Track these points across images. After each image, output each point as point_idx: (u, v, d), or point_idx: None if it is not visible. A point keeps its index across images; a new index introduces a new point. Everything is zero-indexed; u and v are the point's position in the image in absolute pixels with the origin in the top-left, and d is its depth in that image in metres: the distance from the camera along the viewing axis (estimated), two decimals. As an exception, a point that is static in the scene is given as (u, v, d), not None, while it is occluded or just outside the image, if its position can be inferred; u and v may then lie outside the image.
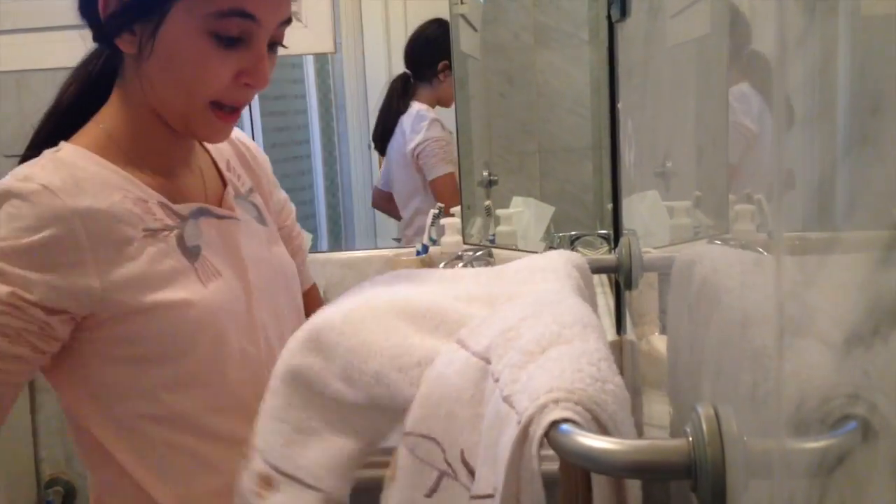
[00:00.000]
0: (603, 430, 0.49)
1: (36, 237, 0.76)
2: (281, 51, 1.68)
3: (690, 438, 0.48)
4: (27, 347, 0.77)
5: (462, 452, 0.60)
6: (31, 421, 1.94)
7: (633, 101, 1.13)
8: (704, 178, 0.78)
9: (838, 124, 0.31)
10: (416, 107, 2.00)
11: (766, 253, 0.48)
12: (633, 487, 0.53)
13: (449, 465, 0.61)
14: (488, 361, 0.60)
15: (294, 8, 1.76)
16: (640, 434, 0.88)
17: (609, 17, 1.09)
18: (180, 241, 0.85)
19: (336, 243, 2.07)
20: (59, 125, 0.88)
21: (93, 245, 0.78)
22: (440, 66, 1.96)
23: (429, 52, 1.97)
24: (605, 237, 1.51)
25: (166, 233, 0.84)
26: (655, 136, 1.05)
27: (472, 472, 0.59)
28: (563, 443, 0.47)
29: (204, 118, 0.84)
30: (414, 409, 0.65)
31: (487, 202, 1.91)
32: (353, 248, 2.02)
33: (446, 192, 1.95)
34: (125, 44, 0.81)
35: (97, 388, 0.84)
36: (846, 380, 0.31)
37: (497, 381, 0.57)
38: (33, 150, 0.85)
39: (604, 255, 1.29)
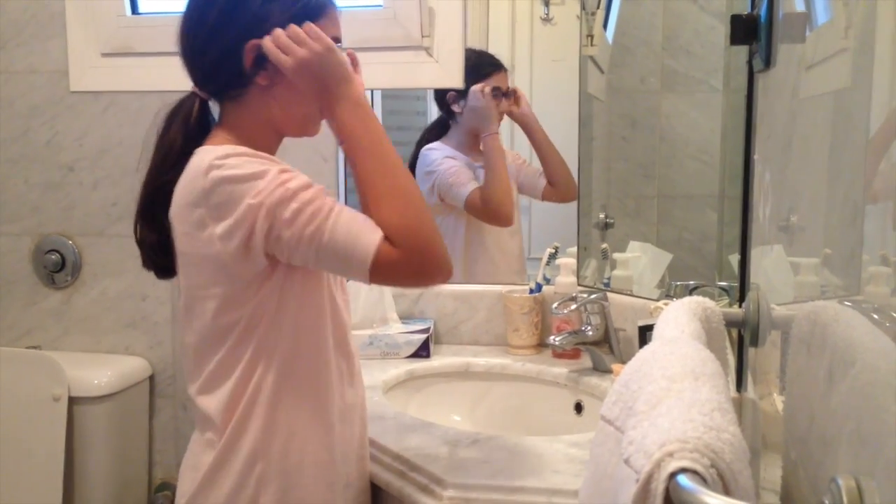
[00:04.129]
0: (723, 479, 0.47)
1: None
2: (409, 82, 1.99)
3: (829, 510, 0.45)
4: None
5: None
6: (149, 425, 2.03)
7: (769, 152, 1.10)
8: (835, 236, 0.75)
9: None
10: (429, 146, 2.02)
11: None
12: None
13: None
14: (619, 429, 0.61)
15: (426, 43, 1.80)
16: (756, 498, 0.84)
17: (750, 64, 1.06)
18: None
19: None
20: (169, 157, 1.12)
21: None
22: (448, 97, 1.97)
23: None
24: (724, 289, 1.47)
25: None
26: (782, 189, 1.01)
27: None
28: (688, 501, 0.44)
29: (317, 118, 1.15)
30: (580, 493, 0.70)
31: (604, 245, 1.89)
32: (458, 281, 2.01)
33: (475, 209, 1.94)
34: (262, 79, 1.10)
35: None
36: None
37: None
38: (158, 179, 1.11)
39: (730, 308, 1.25)
